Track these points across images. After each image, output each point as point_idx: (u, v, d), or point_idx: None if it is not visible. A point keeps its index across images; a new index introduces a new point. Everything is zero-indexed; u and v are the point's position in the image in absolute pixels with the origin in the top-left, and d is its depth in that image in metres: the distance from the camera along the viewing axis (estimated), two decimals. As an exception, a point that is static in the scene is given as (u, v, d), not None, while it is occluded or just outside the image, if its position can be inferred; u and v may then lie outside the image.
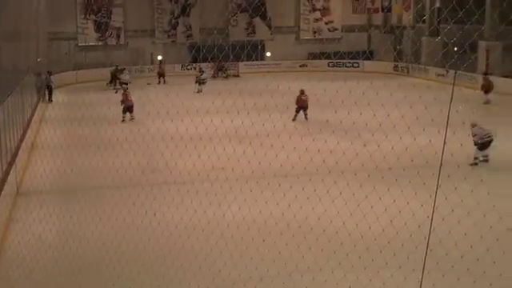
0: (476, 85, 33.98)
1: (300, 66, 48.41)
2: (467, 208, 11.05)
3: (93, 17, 47.38)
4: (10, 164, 16.56)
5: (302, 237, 12.09)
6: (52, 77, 35.89)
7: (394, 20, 48.48)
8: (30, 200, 16.09)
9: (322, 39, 49.47)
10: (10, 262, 12.17)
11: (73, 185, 16.89)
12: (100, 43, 47.06)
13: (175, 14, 48.80)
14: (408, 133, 10.66)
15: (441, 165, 7.46)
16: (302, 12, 51.19)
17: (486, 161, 18.81)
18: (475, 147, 18.60)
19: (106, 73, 40.94)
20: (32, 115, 25.61)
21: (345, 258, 11.07)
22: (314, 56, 48.82)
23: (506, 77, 33.93)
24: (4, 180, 15.09)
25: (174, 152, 15.13)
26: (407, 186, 11.99)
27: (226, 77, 43.86)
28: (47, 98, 34.40)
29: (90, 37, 47.24)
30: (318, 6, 51.15)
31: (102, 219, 13.19)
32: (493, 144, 18.73)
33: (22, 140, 20.14)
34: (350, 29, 47.64)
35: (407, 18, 46.33)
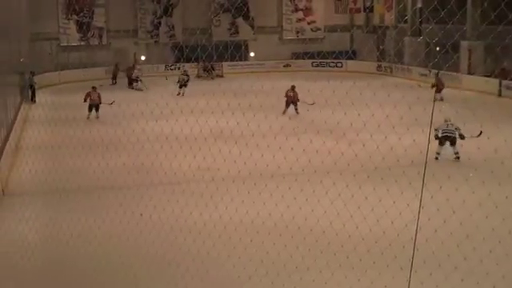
0: (459, 84, 34.28)
1: (284, 66, 48.45)
2: (453, 207, 11.16)
3: (75, 17, 47.09)
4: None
5: (289, 236, 12.13)
6: (35, 77, 35.70)
7: (376, 20, 48.65)
8: (15, 201, 15.99)
9: (304, 39, 49.51)
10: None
11: (58, 186, 16.80)
12: (82, 43, 46.80)
13: (158, 15, 48.65)
14: (393, 132, 10.73)
15: (426, 164, 7.55)
16: (284, 12, 51.21)
17: (457, 158, 18.97)
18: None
19: (99, 72, 42.19)
20: (16, 116, 25.46)
21: (332, 257, 11.13)
22: (297, 56, 48.90)
23: (488, 76, 34.20)
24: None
25: (159, 153, 15.14)
26: (393, 185, 12.08)
27: (213, 78, 43.66)
28: (30, 98, 34.20)
29: (72, 37, 46.96)
30: (301, 5, 51.22)
31: (88, 220, 13.18)
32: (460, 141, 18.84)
33: (6, 141, 20.01)
34: (332, 29, 47.79)
35: (389, 18, 46.50)
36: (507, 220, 11.03)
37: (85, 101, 28.12)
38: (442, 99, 30.19)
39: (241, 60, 47.85)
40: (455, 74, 35.58)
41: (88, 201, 15.47)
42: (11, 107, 24.82)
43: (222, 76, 44.72)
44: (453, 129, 18.99)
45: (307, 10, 51.28)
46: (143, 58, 47.24)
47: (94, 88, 28.80)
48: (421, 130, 9.31)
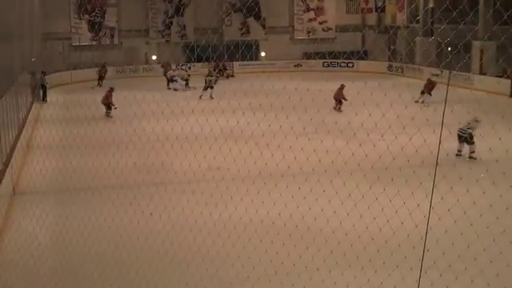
0: (470, 85, 34.13)
1: (295, 66, 48.44)
2: (463, 208, 11.09)
3: (86, 16, 47.30)
4: (6, 164, 16.53)
5: (298, 236, 12.13)
6: (46, 77, 35.85)
7: (387, 20, 48.52)
8: (26, 200, 16.06)
9: (316, 39, 49.48)
10: (7, 262, 12.15)
11: (69, 185, 16.86)
12: (94, 43, 46.96)
13: (169, 14, 48.75)
14: (403, 133, 10.67)
15: (436, 164, 7.50)
16: (295, 12, 51.20)
17: (471, 158, 18.95)
18: None
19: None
20: (27, 115, 25.56)
21: (342, 257, 11.10)
22: (308, 56, 48.86)
23: (500, 76, 34.04)
24: (0, 180, 15.06)
25: (169, 152, 15.14)
26: (403, 185, 12.03)
27: (227, 77, 43.56)
28: (41, 98, 34.35)
29: (84, 36, 47.17)
30: (312, 5, 51.19)
31: (98, 219, 13.21)
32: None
33: (17, 140, 20.10)
34: (343, 29, 47.77)
35: (401, 18, 46.37)
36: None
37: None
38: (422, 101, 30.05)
39: (252, 60, 47.94)
40: (467, 74, 35.45)
41: (98, 200, 15.50)
42: (23, 107, 24.93)
43: (232, 76, 44.73)
44: (465, 128, 18.96)
45: (319, 10, 51.23)
46: (154, 57, 47.34)
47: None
48: (432, 130, 9.26)
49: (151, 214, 13.27)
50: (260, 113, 13.85)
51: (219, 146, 13.96)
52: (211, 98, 33.26)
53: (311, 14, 51.23)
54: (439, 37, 33.58)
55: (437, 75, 36.22)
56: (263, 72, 44.39)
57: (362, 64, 46.68)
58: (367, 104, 12.56)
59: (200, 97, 33.32)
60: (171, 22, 48.80)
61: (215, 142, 14.99)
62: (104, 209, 14.03)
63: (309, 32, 51.15)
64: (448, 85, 8.36)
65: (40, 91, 34.43)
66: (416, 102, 29.45)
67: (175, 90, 37.93)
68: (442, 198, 9.10)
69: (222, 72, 43.96)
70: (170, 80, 39.05)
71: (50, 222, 13.46)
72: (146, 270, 11.36)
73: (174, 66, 41.47)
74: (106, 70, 41.47)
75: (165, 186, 16.56)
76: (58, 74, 41.27)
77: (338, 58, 44.43)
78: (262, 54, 49.49)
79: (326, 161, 13.21)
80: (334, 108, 26.42)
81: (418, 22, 44.33)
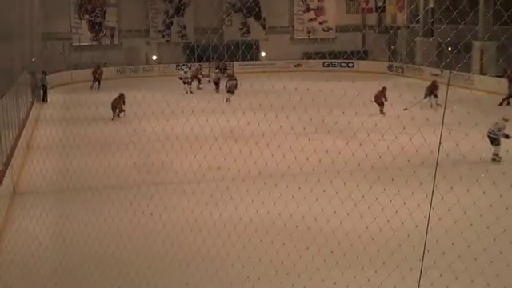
0: (471, 85, 34.13)
1: (295, 66, 48.45)
2: (463, 208, 11.09)
3: (87, 16, 47.32)
4: (6, 164, 16.54)
5: (299, 236, 12.13)
6: (47, 77, 35.84)
7: (388, 20, 48.53)
8: (26, 200, 16.06)
9: (316, 39, 49.48)
10: (7, 262, 12.15)
11: (69, 185, 16.86)
12: (94, 43, 46.97)
13: (169, 14, 48.76)
14: (404, 133, 10.67)
15: (437, 165, 7.50)
16: (296, 12, 51.21)
17: (493, 160, 18.85)
18: None
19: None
20: (27, 115, 25.57)
21: (342, 257, 11.10)
22: (308, 56, 48.85)
23: (500, 77, 34.03)
24: (0, 180, 15.06)
25: (169, 152, 15.14)
26: (404, 185, 12.03)
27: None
28: (42, 97, 34.36)
29: (84, 36, 47.18)
30: (312, 5, 51.20)
31: (98, 219, 13.21)
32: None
33: (17, 140, 20.10)
34: (344, 29, 47.78)
35: (401, 18, 46.38)
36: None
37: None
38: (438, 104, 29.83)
39: (252, 60, 47.93)
40: (467, 74, 35.44)
41: (98, 200, 15.50)
42: (23, 106, 24.94)
43: (232, 75, 44.66)
44: (495, 130, 18.83)
45: (319, 10, 51.24)
46: (154, 57, 47.35)
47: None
48: (432, 130, 9.26)
49: (151, 214, 13.27)
50: (260, 113, 13.84)
51: (219, 146, 13.97)
52: (229, 100, 31.86)
53: (311, 14, 51.24)
54: (439, 37, 33.55)
55: (437, 75, 36.24)
56: (263, 72, 44.38)
57: (362, 64, 46.69)
58: (367, 104, 12.57)
59: (227, 100, 31.74)
60: (171, 22, 48.82)
61: (215, 142, 14.98)
62: (104, 209, 14.02)
63: (309, 32, 51.16)
64: (448, 85, 8.36)
65: (41, 91, 34.43)
66: (405, 109, 29.16)
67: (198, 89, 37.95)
68: (442, 198, 9.10)
69: (222, 72, 43.94)
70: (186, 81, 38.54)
71: (50, 222, 13.46)
72: (146, 270, 11.36)
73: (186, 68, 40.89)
74: (102, 72, 40.66)
75: (165, 186, 16.56)
76: (59, 74, 41.28)
77: (338, 58, 44.41)
78: (262, 54, 49.51)
79: (326, 161, 13.20)
80: (381, 111, 24.00)
81: (418, 21, 44.33)
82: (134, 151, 17.77)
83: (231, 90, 33.16)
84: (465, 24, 8.83)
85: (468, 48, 33.83)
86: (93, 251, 12.27)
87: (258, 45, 48.91)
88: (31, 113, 27.01)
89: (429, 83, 30.33)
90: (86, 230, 12.74)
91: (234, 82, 33.77)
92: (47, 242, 12.82)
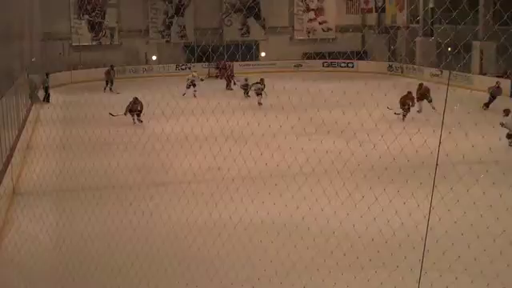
0: (470, 85, 34.12)
1: (295, 66, 48.42)
2: (463, 208, 11.10)
3: (87, 17, 47.28)
4: (6, 164, 16.53)
5: (298, 237, 12.12)
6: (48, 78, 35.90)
7: (387, 20, 48.51)
8: (26, 200, 16.06)
9: (316, 39, 49.45)
10: (7, 262, 12.16)
11: (69, 185, 16.86)
12: (94, 43, 46.97)
13: (169, 14, 48.73)
14: (404, 133, 10.67)
15: (437, 165, 7.50)
16: (295, 12, 51.16)
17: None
18: None
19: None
20: (27, 115, 25.56)
21: (342, 257, 11.09)
22: (308, 56, 48.82)
23: (500, 77, 34.02)
24: (0, 180, 15.06)
25: (169, 152, 15.14)
26: (404, 186, 12.04)
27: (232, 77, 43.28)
28: (43, 98, 34.32)
29: (84, 37, 47.14)
30: (312, 6, 51.17)
31: (98, 219, 13.21)
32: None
33: (17, 140, 20.10)
34: (344, 29, 47.78)
35: (401, 18, 46.36)
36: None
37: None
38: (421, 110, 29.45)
39: (252, 60, 47.89)
40: (467, 74, 35.44)
41: (98, 200, 15.49)
42: (22, 107, 24.93)
43: (233, 76, 44.67)
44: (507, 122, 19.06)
45: (319, 10, 51.22)
46: (154, 57, 47.35)
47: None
48: (432, 130, 9.27)
49: (151, 215, 13.27)
50: (260, 113, 13.88)
51: (219, 146, 13.98)
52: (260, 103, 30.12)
53: (311, 14, 51.21)
54: (439, 37, 33.58)
55: (437, 75, 36.27)
56: (263, 72, 44.29)
57: (362, 64, 46.66)
58: (367, 104, 12.56)
59: (259, 104, 29.46)
60: (171, 23, 48.78)
61: (215, 142, 15.00)
62: (104, 209, 14.02)
63: (309, 32, 51.14)
64: (448, 85, 8.37)
65: (43, 92, 34.40)
66: (396, 113, 28.84)
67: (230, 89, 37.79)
68: (442, 199, 9.12)
69: (222, 71, 43.95)
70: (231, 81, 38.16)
71: (50, 222, 13.45)
72: (146, 270, 11.35)
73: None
74: (115, 72, 40.24)
75: (165, 186, 16.56)
76: (58, 74, 41.25)
77: (338, 58, 44.37)
78: (262, 54, 49.49)
79: (326, 161, 13.23)
80: (404, 116, 23.48)
81: (418, 22, 44.32)
82: (134, 151, 17.76)
83: (259, 92, 33.10)
84: (465, 24, 8.84)
85: (468, 48, 33.83)
86: (93, 251, 12.26)
87: (257, 45, 48.88)
88: (31, 113, 26.97)
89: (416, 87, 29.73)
90: (85, 230, 12.73)
91: (260, 85, 33.58)
92: (47, 242, 12.81)
